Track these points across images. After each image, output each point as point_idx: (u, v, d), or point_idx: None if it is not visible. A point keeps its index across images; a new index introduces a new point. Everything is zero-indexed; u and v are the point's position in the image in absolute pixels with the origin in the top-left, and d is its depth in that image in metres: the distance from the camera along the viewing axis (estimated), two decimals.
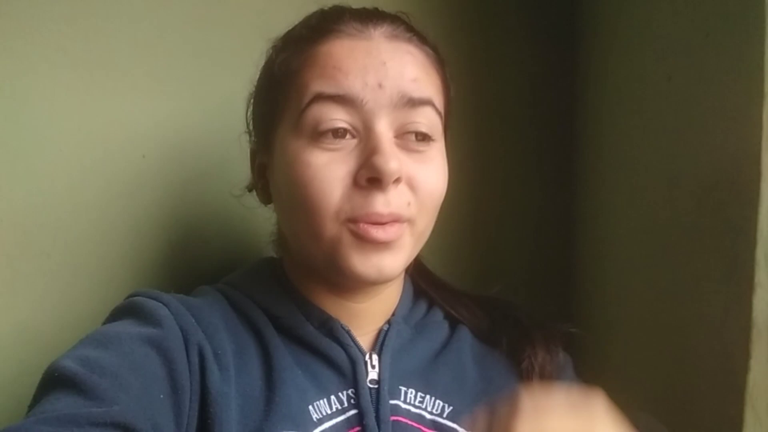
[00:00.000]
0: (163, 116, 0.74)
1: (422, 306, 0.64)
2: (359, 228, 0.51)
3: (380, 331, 0.60)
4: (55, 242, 0.70)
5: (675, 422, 0.67)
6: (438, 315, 0.64)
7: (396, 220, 0.52)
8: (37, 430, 0.41)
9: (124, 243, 0.72)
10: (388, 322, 0.61)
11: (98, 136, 0.71)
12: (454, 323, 0.64)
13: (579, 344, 0.66)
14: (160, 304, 0.54)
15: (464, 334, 0.63)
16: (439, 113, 0.56)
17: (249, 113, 0.63)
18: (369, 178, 0.51)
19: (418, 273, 0.67)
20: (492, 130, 0.88)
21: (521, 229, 0.90)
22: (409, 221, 0.54)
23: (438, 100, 0.56)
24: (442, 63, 0.59)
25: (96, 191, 0.71)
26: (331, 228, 0.52)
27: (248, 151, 0.63)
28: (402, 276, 0.63)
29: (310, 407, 0.53)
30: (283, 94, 0.55)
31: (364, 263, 0.52)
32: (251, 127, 0.63)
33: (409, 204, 0.53)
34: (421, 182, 0.54)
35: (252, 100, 0.62)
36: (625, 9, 0.79)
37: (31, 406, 0.45)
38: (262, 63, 0.60)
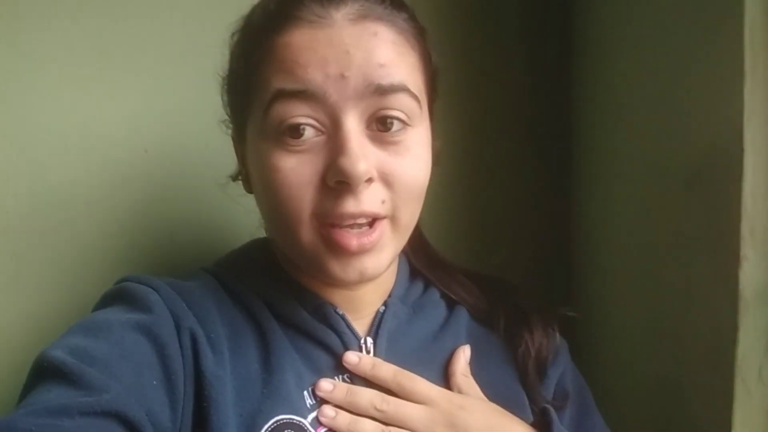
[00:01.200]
0: (165, 111, 0.75)
1: (419, 285, 0.64)
2: (334, 235, 0.50)
3: (377, 313, 0.59)
4: (59, 235, 0.70)
5: (666, 397, 0.68)
6: (435, 294, 0.64)
7: (370, 218, 0.51)
8: (27, 423, 0.40)
9: (128, 235, 0.73)
10: (385, 303, 0.60)
11: (102, 131, 0.72)
12: (451, 303, 0.64)
13: (573, 324, 0.66)
14: (150, 289, 0.53)
15: (462, 315, 0.63)
16: (414, 97, 0.51)
17: (224, 101, 0.60)
18: (338, 180, 0.49)
19: (413, 251, 0.66)
20: (489, 126, 0.89)
21: (518, 216, 0.91)
22: (388, 218, 0.52)
23: (413, 81, 0.52)
24: (420, 33, 0.55)
25: (100, 185, 0.72)
26: (306, 234, 0.51)
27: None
28: (397, 259, 0.62)
29: (305, 392, 0.53)
30: (248, 89, 0.53)
31: (344, 269, 0.51)
32: (228, 114, 0.61)
33: (383, 201, 0.51)
34: (397, 177, 0.51)
35: (223, 89, 0.60)
36: (616, 6, 0.80)
37: (22, 397, 0.45)
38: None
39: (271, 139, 0.50)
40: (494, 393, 0.57)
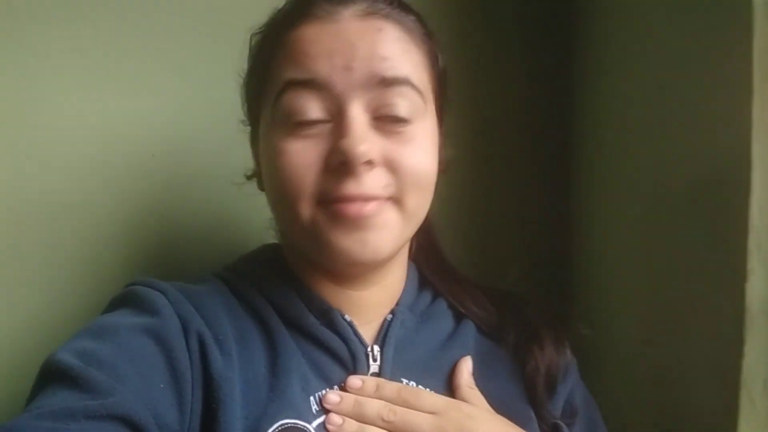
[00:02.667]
0: (172, 116, 0.76)
1: (427, 295, 0.64)
2: (332, 208, 0.51)
3: (384, 320, 0.59)
4: (66, 237, 0.71)
5: (671, 409, 0.68)
6: (442, 305, 0.64)
7: (370, 199, 0.52)
8: (32, 426, 0.40)
9: (136, 239, 0.74)
10: (392, 311, 0.60)
11: (110, 136, 0.73)
12: (459, 315, 0.64)
13: (578, 336, 0.66)
14: (158, 293, 0.53)
15: (469, 328, 0.63)
16: (418, 91, 0.54)
17: (242, 101, 0.63)
18: (339, 161, 0.50)
19: (426, 260, 0.66)
20: (490, 128, 0.89)
21: (519, 226, 0.91)
22: (392, 199, 0.53)
23: (418, 77, 0.54)
24: (427, 35, 0.57)
25: (107, 188, 0.73)
26: (306, 211, 0.52)
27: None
28: (405, 263, 0.63)
29: (312, 398, 0.53)
30: (261, 84, 0.56)
31: (346, 239, 0.52)
32: (245, 114, 0.63)
33: (386, 186, 0.52)
34: (402, 163, 0.52)
35: (242, 90, 0.62)
36: (619, 9, 0.80)
37: (29, 401, 0.45)
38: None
39: (280, 127, 0.53)
40: (500, 407, 0.57)
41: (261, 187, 0.62)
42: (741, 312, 0.57)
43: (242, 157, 0.64)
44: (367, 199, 0.51)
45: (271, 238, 0.65)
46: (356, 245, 0.52)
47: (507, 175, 0.91)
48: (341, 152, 0.50)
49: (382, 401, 0.54)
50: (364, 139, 0.50)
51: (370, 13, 0.53)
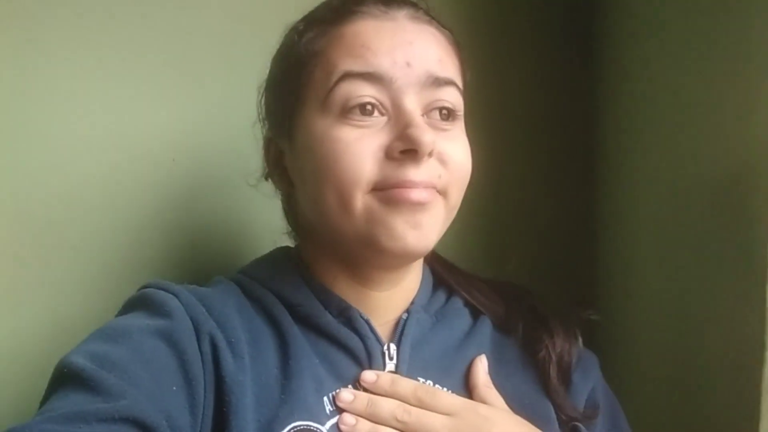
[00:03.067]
0: (192, 122, 0.77)
1: (442, 295, 0.64)
2: (391, 192, 0.51)
3: (399, 320, 0.59)
4: (86, 239, 0.73)
5: (691, 414, 0.67)
6: (458, 303, 0.63)
7: (428, 186, 0.53)
8: (43, 429, 0.40)
9: (153, 242, 0.75)
10: (407, 311, 0.60)
11: (132, 141, 0.74)
12: (475, 313, 0.63)
13: (600, 338, 0.66)
14: (171, 295, 0.53)
15: (486, 325, 0.62)
16: (461, 92, 0.56)
17: (261, 101, 0.62)
18: (403, 150, 0.51)
19: (434, 259, 0.66)
20: (512, 130, 0.89)
21: (543, 227, 0.90)
22: (442, 192, 0.54)
23: (459, 82, 0.57)
24: (459, 48, 0.59)
25: (129, 193, 0.74)
26: (361, 199, 0.52)
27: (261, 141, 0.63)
28: (421, 264, 0.63)
29: (325, 398, 0.52)
30: (308, 74, 0.55)
31: (403, 223, 0.52)
32: (264, 115, 0.62)
33: (440, 176, 0.53)
34: (451, 156, 0.54)
35: (266, 87, 0.61)
36: (639, 11, 0.80)
37: (42, 404, 0.45)
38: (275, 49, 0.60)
39: (332, 115, 0.53)
40: (519, 404, 0.56)
41: (280, 188, 0.62)
42: (762, 317, 0.56)
43: (259, 161, 0.64)
44: (426, 186, 0.52)
45: (285, 242, 0.66)
46: (413, 230, 0.52)
47: (531, 177, 0.90)
48: (409, 140, 0.50)
49: (397, 401, 0.53)
50: (428, 128, 0.52)
51: (418, 18, 0.56)
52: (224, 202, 0.78)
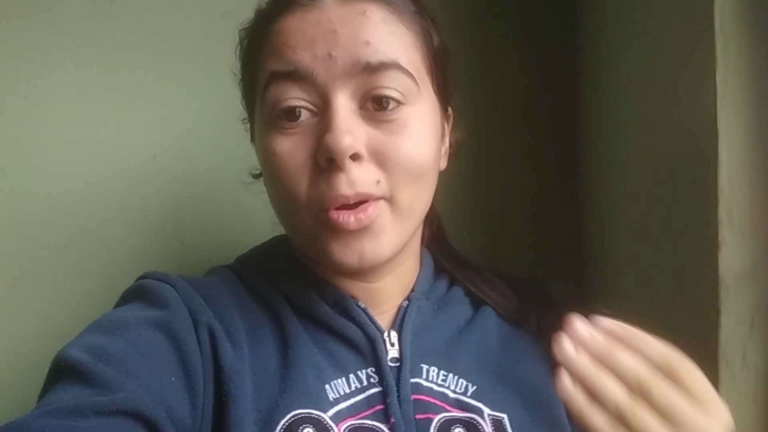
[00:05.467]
0: (171, 119, 0.78)
1: (443, 282, 0.62)
2: (329, 216, 0.49)
3: (399, 307, 0.57)
4: (73, 237, 0.75)
5: None
6: (459, 292, 0.61)
7: (364, 200, 0.49)
8: (40, 424, 0.40)
9: (138, 238, 0.77)
10: (408, 298, 0.58)
11: (112, 139, 0.76)
12: (477, 302, 0.61)
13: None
14: (167, 286, 0.52)
15: (489, 314, 0.60)
16: (408, 74, 0.51)
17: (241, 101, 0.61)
18: (326, 159, 0.48)
19: (440, 249, 0.64)
20: (498, 126, 0.89)
21: (530, 217, 0.90)
22: (385, 198, 0.51)
23: (408, 58, 0.51)
24: (419, 13, 0.54)
25: (110, 191, 0.76)
26: (306, 219, 0.51)
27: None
28: (417, 251, 0.61)
29: (327, 386, 0.51)
30: (251, 79, 0.55)
31: (343, 251, 0.50)
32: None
33: (378, 182, 0.50)
34: (391, 155, 0.50)
35: (239, 86, 0.60)
36: (611, 5, 0.81)
37: (40, 398, 0.44)
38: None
39: (269, 124, 0.52)
40: (530, 389, 0.55)
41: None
42: (716, 283, 0.57)
43: (247, 155, 0.64)
44: (363, 198, 0.49)
45: (280, 230, 0.65)
46: (353, 256, 0.50)
47: (516, 164, 0.90)
48: (326, 148, 0.48)
49: (625, 394, 0.41)
50: (348, 130, 0.48)
51: None
52: (214, 194, 0.80)
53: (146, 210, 0.78)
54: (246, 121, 0.61)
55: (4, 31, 0.72)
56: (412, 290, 0.59)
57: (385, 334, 0.55)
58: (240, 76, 0.59)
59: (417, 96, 0.52)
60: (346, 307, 0.55)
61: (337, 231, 0.50)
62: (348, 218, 0.49)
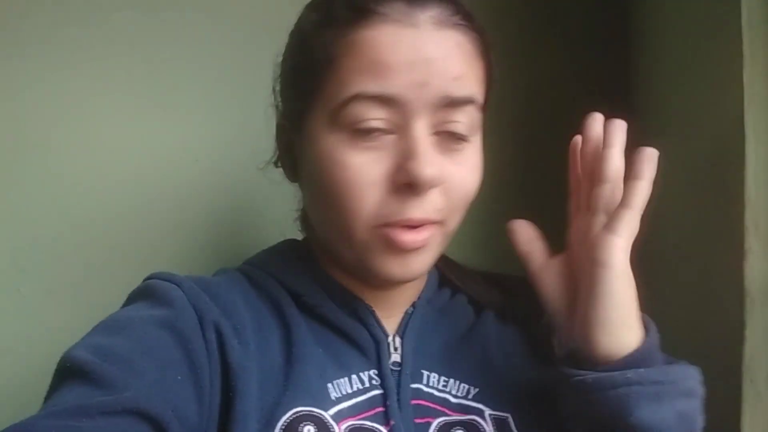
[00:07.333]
0: (214, 125, 0.81)
1: (447, 291, 0.63)
2: (391, 233, 0.50)
3: (405, 314, 0.59)
4: (120, 238, 0.78)
5: None
6: (462, 299, 0.62)
7: (425, 223, 0.51)
8: (46, 425, 0.40)
9: (179, 239, 0.79)
10: (413, 305, 0.59)
11: (159, 146, 0.80)
12: (479, 308, 0.62)
13: None
14: (173, 285, 0.52)
15: (489, 319, 0.62)
16: (480, 109, 0.53)
17: (276, 84, 0.59)
18: (405, 183, 0.49)
19: (442, 258, 0.63)
20: (538, 130, 0.87)
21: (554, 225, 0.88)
22: (441, 222, 0.52)
23: (480, 94, 0.53)
24: (488, 47, 0.55)
25: (155, 193, 0.79)
26: (363, 233, 0.51)
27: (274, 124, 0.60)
28: None
29: (329, 385, 0.52)
30: (319, 80, 0.52)
31: (392, 266, 0.52)
32: (278, 99, 0.60)
33: (440, 210, 0.51)
34: (456, 185, 0.52)
35: (281, 72, 0.58)
36: (656, 15, 0.79)
37: (46, 399, 0.44)
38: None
39: (340, 133, 0.50)
40: (532, 388, 0.55)
41: (290, 178, 0.60)
42: (741, 294, 0.54)
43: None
44: (425, 223, 0.51)
45: (292, 235, 0.65)
46: (400, 269, 0.52)
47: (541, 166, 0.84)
48: (410, 174, 0.48)
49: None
50: (431, 162, 0.49)
51: (443, 22, 0.50)
52: (231, 199, 0.81)
53: (189, 211, 0.80)
54: (277, 106, 0.60)
55: (67, 42, 0.77)
56: (418, 297, 0.60)
57: (390, 338, 0.56)
58: (291, 68, 0.56)
59: (479, 128, 0.54)
60: (355, 308, 0.56)
61: (393, 247, 0.51)
62: (408, 238, 0.50)
